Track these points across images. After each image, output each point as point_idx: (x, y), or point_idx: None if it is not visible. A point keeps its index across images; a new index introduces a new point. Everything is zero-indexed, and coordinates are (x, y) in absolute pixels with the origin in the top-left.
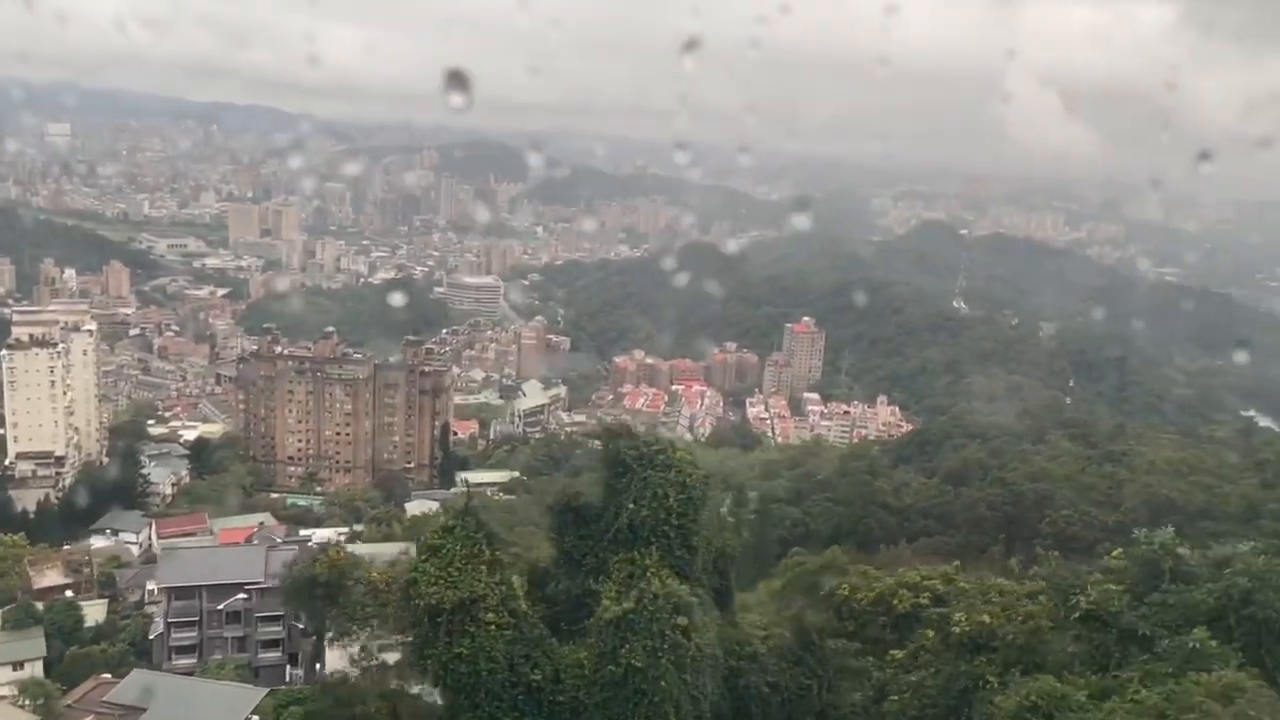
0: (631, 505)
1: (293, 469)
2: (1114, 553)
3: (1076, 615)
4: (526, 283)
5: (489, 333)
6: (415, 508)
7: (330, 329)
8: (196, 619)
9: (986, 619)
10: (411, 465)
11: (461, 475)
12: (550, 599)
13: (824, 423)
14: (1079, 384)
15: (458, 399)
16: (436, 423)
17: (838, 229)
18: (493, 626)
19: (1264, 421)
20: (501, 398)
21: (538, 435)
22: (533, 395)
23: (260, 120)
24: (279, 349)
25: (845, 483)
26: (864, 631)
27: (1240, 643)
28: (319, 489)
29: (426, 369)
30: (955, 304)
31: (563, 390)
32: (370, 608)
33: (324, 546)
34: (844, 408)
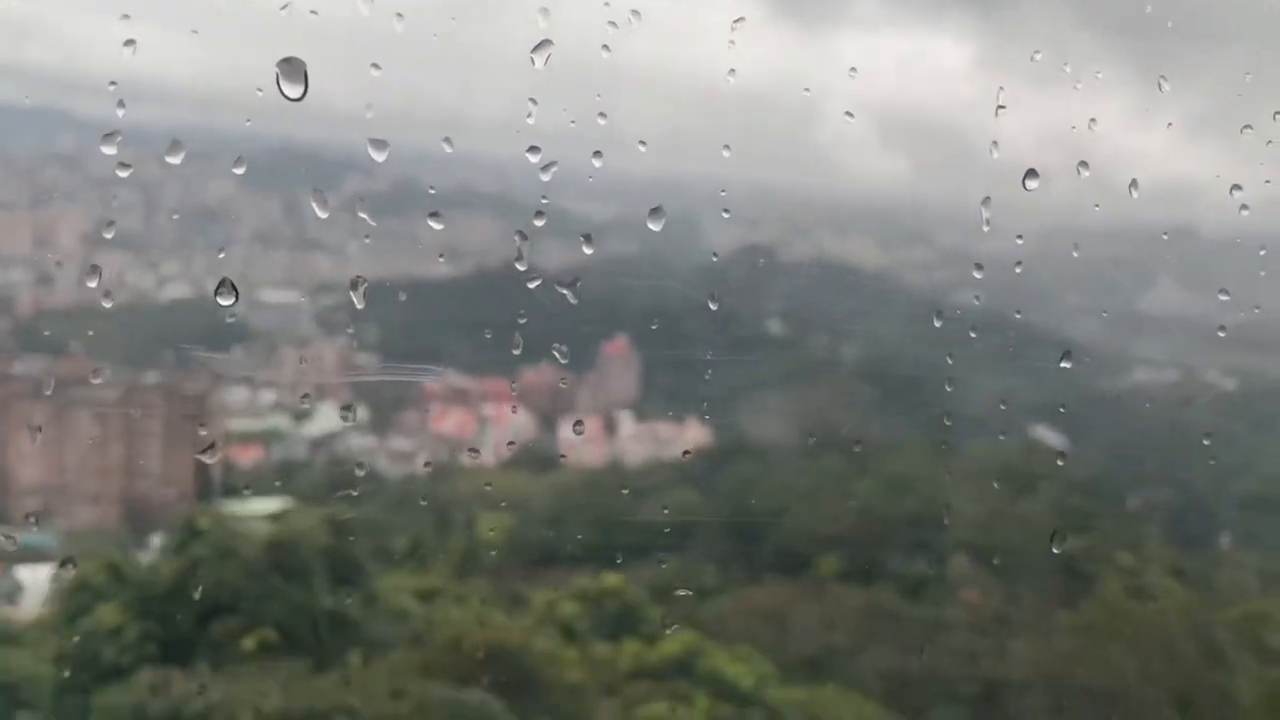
0: None
1: (30, 501)
2: None
3: None
4: (335, 300)
5: (287, 352)
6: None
7: (75, 347)
8: None
9: None
10: (171, 495)
11: (226, 504)
12: None
13: (633, 444)
14: (880, 404)
15: (245, 423)
16: (201, 449)
17: (662, 249)
18: None
19: (1052, 439)
20: (294, 421)
21: (326, 461)
22: (327, 419)
23: (44, 123)
24: (12, 369)
25: (606, 503)
26: None
27: None
28: (46, 524)
29: (190, 391)
30: (771, 326)
31: (363, 413)
32: None
33: None
34: (653, 429)
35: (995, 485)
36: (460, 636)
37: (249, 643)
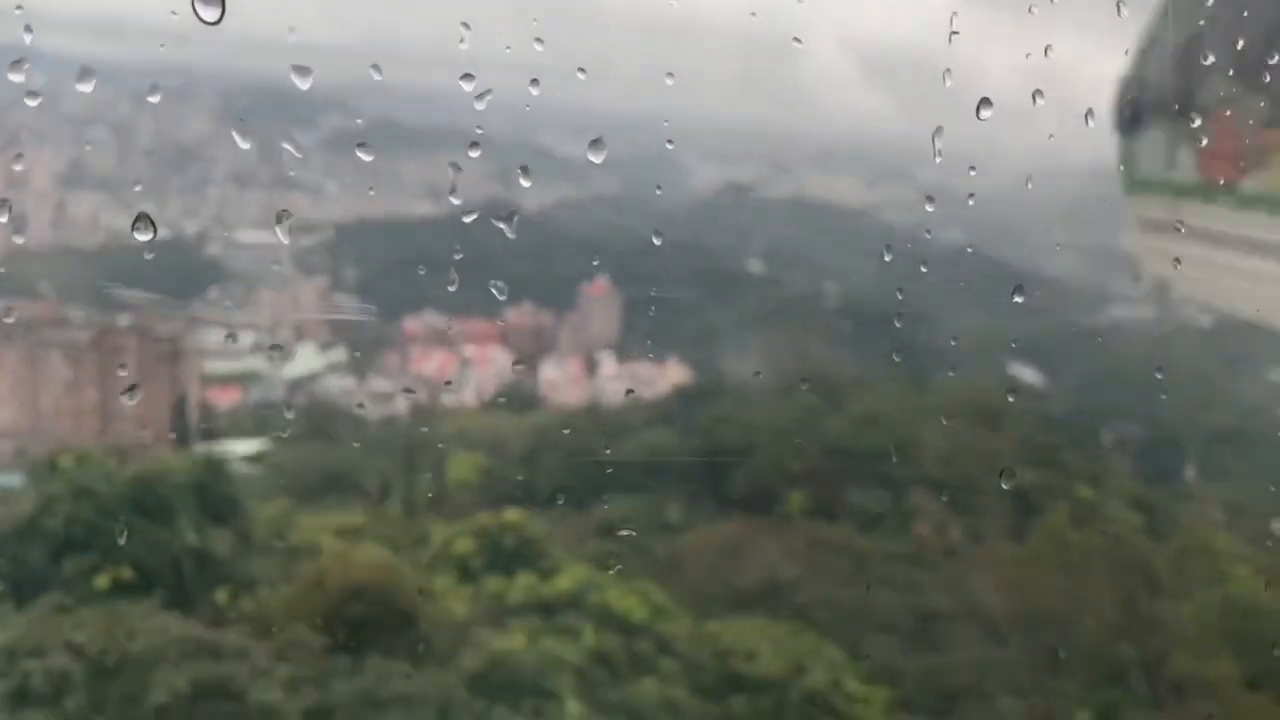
0: None
1: (3, 445)
2: None
3: None
4: (313, 240)
5: (266, 293)
6: None
7: (45, 289)
8: None
9: None
10: (147, 439)
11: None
12: None
13: (613, 384)
14: (859, 342)
15: (223, 365)
16: (177, 391)
17: (641, 189)
18: None
19: (1027, 375)
20: (273, 362)
21: (305, 402)
22: (306, 360)
23: (9, 59)
24: None
25: (576, 443)
26: None
27: None
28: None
29: (163, 333)
30: (751, 265)
31: (342, 354)
32: None
33: None
34: (633, 368)
35: (953, 420)
36: (324, 574)
37: (101, 581)
